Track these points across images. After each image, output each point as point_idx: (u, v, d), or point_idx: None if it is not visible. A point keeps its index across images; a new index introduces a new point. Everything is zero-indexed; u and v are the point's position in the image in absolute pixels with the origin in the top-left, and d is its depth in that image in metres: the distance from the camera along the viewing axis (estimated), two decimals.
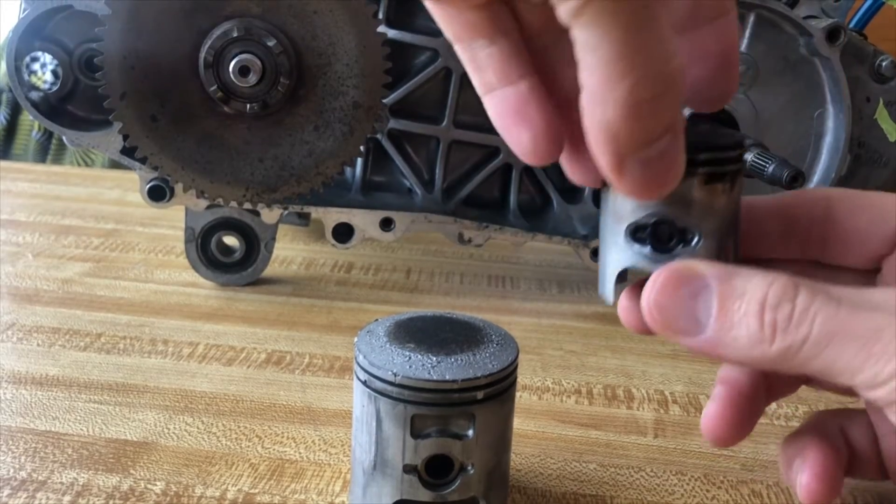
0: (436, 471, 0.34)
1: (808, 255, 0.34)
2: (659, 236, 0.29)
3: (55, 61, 0.58)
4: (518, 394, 0.44)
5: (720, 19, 0.29)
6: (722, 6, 0.29)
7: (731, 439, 0.34)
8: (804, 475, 0.34)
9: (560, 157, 0.29)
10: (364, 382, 0.34)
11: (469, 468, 0.34)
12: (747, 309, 0.27)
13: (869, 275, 0.34)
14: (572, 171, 0.30)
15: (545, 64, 0.29)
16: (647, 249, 0.29)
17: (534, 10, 0.28)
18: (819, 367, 0.27)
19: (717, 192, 0.29)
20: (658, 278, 0.29)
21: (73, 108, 0.59)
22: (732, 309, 0.27)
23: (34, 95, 0.57)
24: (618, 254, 0.30)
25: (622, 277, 0.30)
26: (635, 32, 0.23)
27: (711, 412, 0.34)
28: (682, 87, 0.25)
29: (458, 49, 0.29)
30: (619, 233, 0.30)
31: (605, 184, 0.29)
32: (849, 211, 0.33)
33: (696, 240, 0.29)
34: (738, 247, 0.31)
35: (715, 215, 0.29)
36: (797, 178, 0.49)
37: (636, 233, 0.29)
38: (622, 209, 0.29)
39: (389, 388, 0.33)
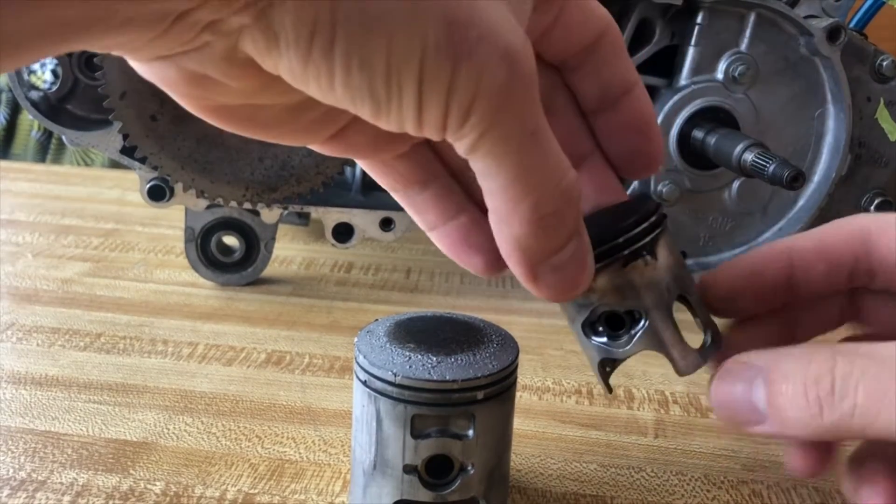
0: (436, 471, 0.34)
1: (857, 284, 0.34)
2: (612, 325, 0.31)
3: (55, 61, 0.58)
4: (518, 394, 0.44)
5: (630, 93, 0.30)
6: (628, 80, 0.30)
7: (822, 469, 0.34)
8: None
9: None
10: (364, 382, 0.34)
11: (469, 468, 0.34)
12: (794, 390, 0.28)
13: None
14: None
15: (477, 195, 0.30)
16: (604, 340, 0.31)
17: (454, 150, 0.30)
18: (881, 430, 0.27)
19: (641, 269, 0.30)
20: (714, 379, 0.30)
21: (72, 108, 0.59)
22: (780, 392, 0.28)
23: (34, 95, 0.57)
24: (589, 351, 0.32)
25: (604, 369, 0.32)
26: (528, 157, 0.25)
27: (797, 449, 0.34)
28: (580, 197, 0.27)
29: (396, 197, 0.31)
30: (579, 333, 0.31)
31: None
32: (889, 239, 0.32)
33: (643, 317, 0.30)
34: (696, 298, 0.32)
35: (650, 288, 0.30)
36: (798, 178, 0.49)
37: (593, 327, 0.31)
38: (571, 313, 0.31)
39: (389, 388, 0.33)
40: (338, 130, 0.28)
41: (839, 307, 0.35)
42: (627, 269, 0.29)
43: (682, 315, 0.31)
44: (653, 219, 0.30)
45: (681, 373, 0.31)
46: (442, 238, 0.31)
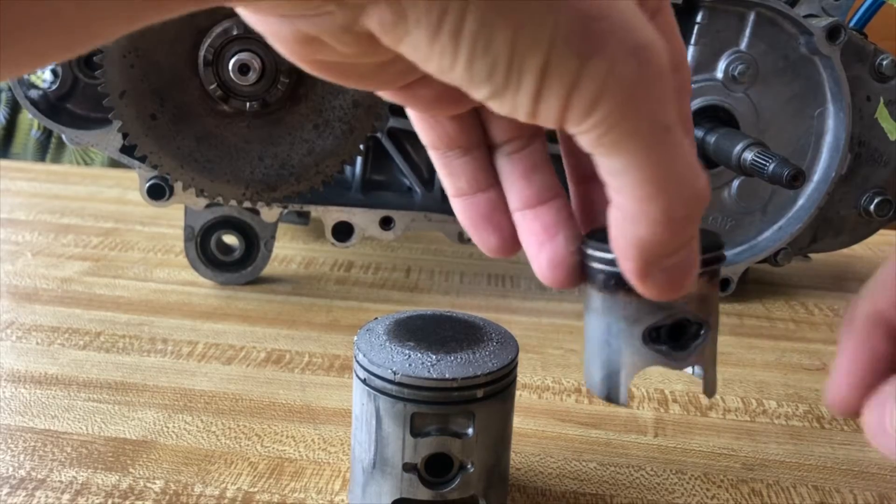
0: (435, 469, 0.34)
1: None
2: (674, 335, 0.30)
3: None
4: (518, 392, 0.44)
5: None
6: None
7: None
8: None
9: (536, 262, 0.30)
10: (364, 381, 0.34)
11: (469, 467, 0.34)
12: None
13: None
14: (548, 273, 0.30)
15: (510, 174, 0.31)
16: (664, 348, 0.30)
17: (504, 124, 0.30)
18: None
19: (716, 286, 0.30)
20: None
21: (72, 107, 0.59)
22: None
23: (33, 94, 0.57)
24: (633, 356, 0.30)
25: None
26: (660, 155, 0.24)
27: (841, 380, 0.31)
28: (707, 200, 0.26)
29: (433, 156, 0.31)
30: (634, 335, 0.30)
31: (608, 290, 0.30)
32: None
33: (704, 332, 0.30)
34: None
35: (716, 307, 0.30)
36: (798, 177, 0.49)
37: (652, 333, 0.30)
38: (638, 312, 0.30)
39: (389, 386, 0.33)
40: (408, 83, 0.28)
41: None
42: (711, 283, 0.30)
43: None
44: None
45: (710, 394, 0.31)
46: (467, 207, 0.31)
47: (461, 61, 0.22)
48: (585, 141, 0.24)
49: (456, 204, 0.31)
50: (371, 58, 0.25)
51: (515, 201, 0.30)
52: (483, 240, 0.31)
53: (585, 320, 0.32)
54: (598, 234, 0.30)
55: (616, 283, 0.29)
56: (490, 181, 0.31)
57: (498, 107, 0.24)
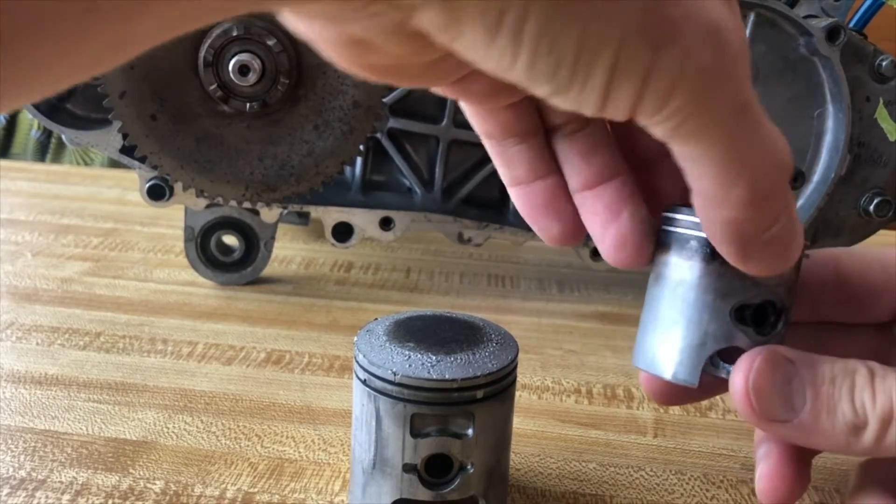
0: (435, 470, 0.34)
1: (819, 317, 0.33)
2: (757, 317, 0.29)
3: None
4: (518, 393, 0.44)
5: None
6: None
7: (794, 495, 0.32)
8: None
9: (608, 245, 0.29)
10: (363, 381, 0.34)
11: (469, 467, 0.34)
12: (840, 395, 0.27)
13: (884, 328, 0.33)
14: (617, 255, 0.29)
15: (571, 159, 0.30)
16: (749, 329, 0.29)
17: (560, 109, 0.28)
18: None
19: (799, 277, 0.29)
20: (754, 364, 0.28)
21: (72, 107, 0.59)
22: (827, 394, 0.27)
23: None
24: (718, 332, 0.29)
25: (710, 356, 0.29)
26: (740, 136, 0.23)
27: (767, 472, 0.32)
28: (792, 166, 0.25)
29: (488, 145, 0.30)
30: (722, 310, 0.28)
31: (701, 259, 0.28)
32: (859, 269, 0.32)
33: (784, 321, 0.29)
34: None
35: (795, 299, 0.29)
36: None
37: (740, 312, 0.29)
38: (730, 286, 0.28)
39: (389, 387, 0.33)
40: (461, 77, 0.26)
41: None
42: (799, 270, 0.29)
43: None
44: None
45: None
46: (525, 196, 0.30)
47: (522, 62, 0.21)
48: (659, 131, 0.23)
49: (514, 193, 0.30)
50: (423, 57, 0.24)
51: (576, 183, 0.29)
52: (544, 228, 0.30)
53: (654, 295, 0.29)
54: (681, 204, 0.28)
55: (713, 252, 0.27)
56: (549, 168, 0.29)
57: (561, 103, 0.22)
